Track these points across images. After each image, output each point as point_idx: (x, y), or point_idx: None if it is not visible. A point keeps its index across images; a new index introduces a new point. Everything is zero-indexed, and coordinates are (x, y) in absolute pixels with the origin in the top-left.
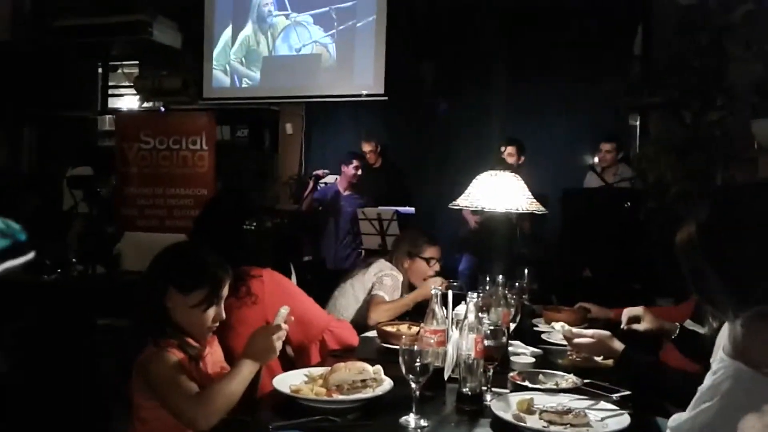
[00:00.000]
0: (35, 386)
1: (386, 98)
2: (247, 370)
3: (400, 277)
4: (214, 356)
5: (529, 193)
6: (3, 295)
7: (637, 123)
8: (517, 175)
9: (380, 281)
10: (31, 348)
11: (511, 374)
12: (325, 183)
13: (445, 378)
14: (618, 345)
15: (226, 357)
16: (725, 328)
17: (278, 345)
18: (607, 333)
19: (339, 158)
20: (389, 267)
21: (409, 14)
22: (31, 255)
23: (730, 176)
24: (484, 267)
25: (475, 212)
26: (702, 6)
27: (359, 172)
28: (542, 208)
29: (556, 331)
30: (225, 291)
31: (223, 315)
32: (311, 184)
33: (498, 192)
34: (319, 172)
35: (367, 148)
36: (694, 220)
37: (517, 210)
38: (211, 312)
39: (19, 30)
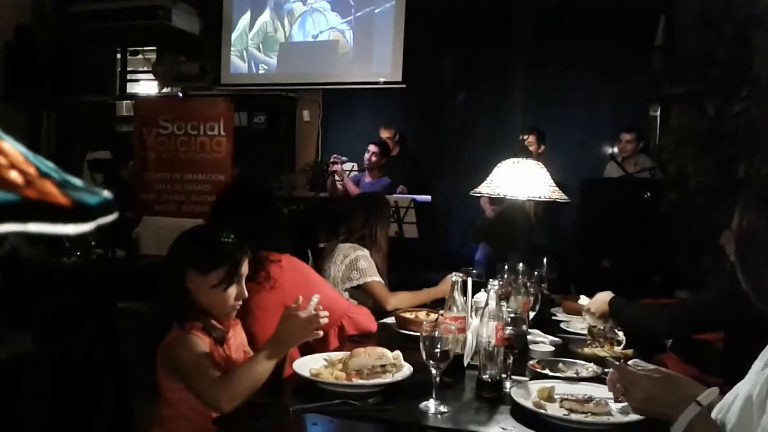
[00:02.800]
0: (59, 367)
1: (404, 86)
2: (272, 353)
3: (367, 252)
4: (237, 340)
5: (552, 181)
6: (25, 276)
7: (658, 113)
8: (539, 163)
9: (358, 269)
10: (54, 329)
11: (531, 362)
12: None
13: (465, 365)
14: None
15: (247, 341)
16: None
17: (319, 332)
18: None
19: (355, 146)
20: (350, 248)
21: (429, 2)
22: (116, 214)
23: (755, 170)
24: (501, 256)
25: (493, 202)
26: None
27: (374, 157)
28: (564, 197)
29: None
30: (245, 269)
31: (245, 293)
32: (332, 169)
33: (520, 179)
34: (336, 160)
35: (385, 135)
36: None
37: (539, 198)
38: (233, 291)
39: (39, 15)
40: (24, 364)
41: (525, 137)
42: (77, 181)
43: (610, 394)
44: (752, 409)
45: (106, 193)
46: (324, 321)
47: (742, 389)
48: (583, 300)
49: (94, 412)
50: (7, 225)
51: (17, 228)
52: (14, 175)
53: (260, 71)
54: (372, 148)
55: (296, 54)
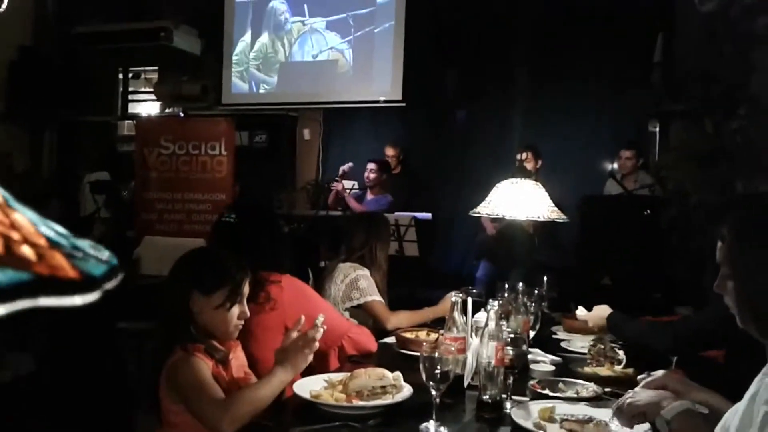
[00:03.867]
0: (60, 387)
1: (404, 104)
2: (278, 379)
3: (367, 272)
4: (238, 361)
5: (550, 201)
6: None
7: (657, 130)
8: (537, 183)
9: (359, 289)
10: (55, 349)
11: (531, 382)
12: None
13: (465, 385)
14: None
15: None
16: None
17: (309, 355)
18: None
19: (356, 164)
20: (350, 268)
21: (429, 20)
22: (120, 277)
23: (754, 187)
24: (502, 274)
25: (494, 220)
26: (725, 15)
27: (373, 175)
28: (563, 216)
29: (579, 314)
30: (246, 289)
31: (248, 312)
32: (333, 187)
33: (518, 200)
34: (345, 167)
35: (390, 152)
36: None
37: (537, 218)
38: (236, 310)
39: (41, 35)
40: (27, 384)
41: (522, 156)
42: (85, 245)
43: (609, 414)
44: (753, 408)
45: (113, 260)
46: (317, 334)
47: (739, 406)
48: (581, 311)
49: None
50: (20, 302)
51: (29, 305)
52: (26, 251)
53: (261, 91)
54: (370, 165)
55: (296, 73)
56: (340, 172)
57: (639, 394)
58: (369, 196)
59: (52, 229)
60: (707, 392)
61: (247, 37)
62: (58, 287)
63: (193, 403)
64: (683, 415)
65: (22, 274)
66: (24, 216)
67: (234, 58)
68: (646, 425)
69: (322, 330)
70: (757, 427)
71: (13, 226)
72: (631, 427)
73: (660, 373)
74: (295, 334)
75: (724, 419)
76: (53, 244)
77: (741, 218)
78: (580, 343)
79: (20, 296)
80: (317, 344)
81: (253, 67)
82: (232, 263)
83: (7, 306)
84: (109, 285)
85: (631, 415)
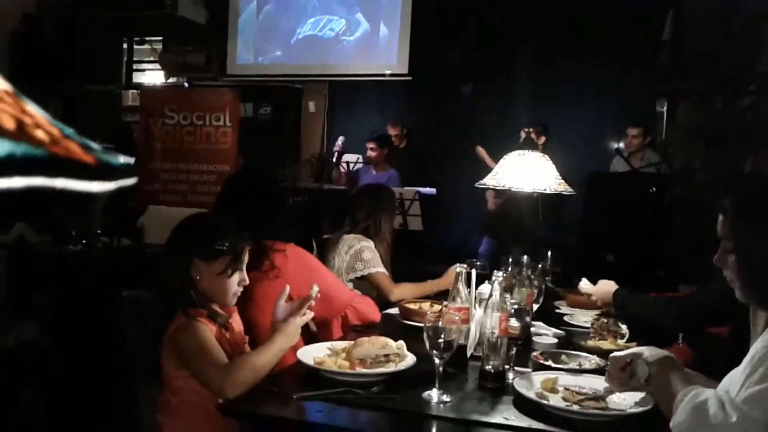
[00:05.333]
0: (64, 355)
1: (410, 78)
2: (278, 346)
3: (371, 243)
4: (236, 326)
5: (557, 174)
6: (32, 263)
7: (665, 108)
8: (545, 156)
9: (363, 260)
10: (59, 316)
11: (534, 354)
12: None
13: (468, 355)
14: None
15: (248, 329)
16: None
17: (302, 323)
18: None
19: (361, 137)
20: (354, 239)
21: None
22: (134, 179)
23: (761, 165)
24: (505, 249)
25: (496, 195)
26: None
27: (373, 153)
28: (570, 189)
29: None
30: (246, 256)
31: (247, 279)
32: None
33: (526, 172)
34: (337, 146)
35: (392, 131)
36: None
37: (545, 190)
38: (236, 277)
39: (44, 4)
40: (30, 351)
41: (527, 130)
42: (96, 146)
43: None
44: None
45: (128, 159)
46: (311, 303)
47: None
48: (584, 284)
49: (98, 399)
50: (36, 179)
51: (45, 183)
52: (40, 134)
53: (266, 62)
54: (369, 144)
55: (302, 45)
56: (334, 152)
57: (620, 352)
58: (373, 172)
59: (65, 128)
60: (698, 375)
61: (253, 6)
62: (75, 170)
63: (197, 368)
64: (664, 359)
65: (38, 150)
66: (36, 108)
67: (239, 27)
68: (642, 393)
69: (313, 301)
70: (754, 379)
71: (25, 112)
72: (624, 387)
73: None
74: (282, 304)
75: (723, 382)
76: (66, 135)
77: (742, 193)
78: (583, 318)
79: (37, 172)
80: (311, 314)
81: (259, 38)
82: (233, 231)
83: (24, 180)
84: (126, 181)
85: (617, 367)
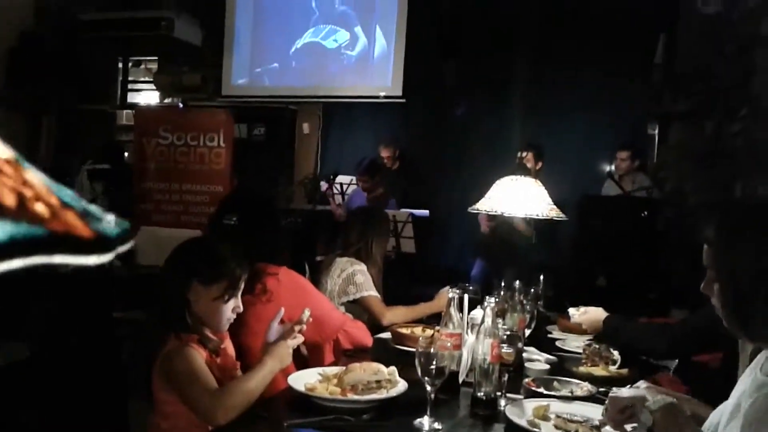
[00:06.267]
0: (54, 375)
1: (404, 100)
2: (268, 369)
3: (364, 267)
4: (228, 351)
5: (550, 199)
6: (22, 283)
7: (656, 132)
8: (537, 181)
9: (355, 284)
10: (50, 337)
11: (526, 380)
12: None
13: (460, 382)
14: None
15: (240, 354)
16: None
17: (293, 347)
18: None
19: (356, 158)
20: (347, 263)
21: (430, 16)
22: (131, 243)
23: (754, 189)
24: (497, 272)
25: (490, 218)
26: (728, 16)
27: (362, 184)
28: (562, 215)
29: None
30: (242, 283)
31: (241, 306)
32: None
33: (518, 197)
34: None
35: (385, 153)
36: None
37: (537, 216)
38: (231, 303)
39: (42, 21)
40: (19, 371)
41: (523, 154)
42: (96, 210)
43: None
44: (740, 402)
45: (124, 223)
46: (302, 328)
47: (727, 405)
48: (573, 311)
49: (88, 421)
50: (35, 258)
51: (44, 261)
52: (40, 208)
53: (261, 83)
54: (359, 177)
55: (297, 66)
56: (324, 192)
57: (622, 391)
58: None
59: (65, 193)
60: (690, 400)
61: (249, 28)
62: (72, 245)
63: (186, 393)
64: (668, 407)
65: (37, 229)
66: (36, 176)
67: (235, 49)
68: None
69: (305, 324)
70: (743, 417)
71: (26, 183)
72: (621, 427)
73: (642, 383)
74: (275, 326)
75: (711, 416)
76: (65, 204)
77: (724, 223)
78: (575, 343)
79: (36, 252)
80: (301, 337)
81: (253, 58)
82: (233, 256)
83: (22, 260)
84: (123, 247)
85: (617, 409)
